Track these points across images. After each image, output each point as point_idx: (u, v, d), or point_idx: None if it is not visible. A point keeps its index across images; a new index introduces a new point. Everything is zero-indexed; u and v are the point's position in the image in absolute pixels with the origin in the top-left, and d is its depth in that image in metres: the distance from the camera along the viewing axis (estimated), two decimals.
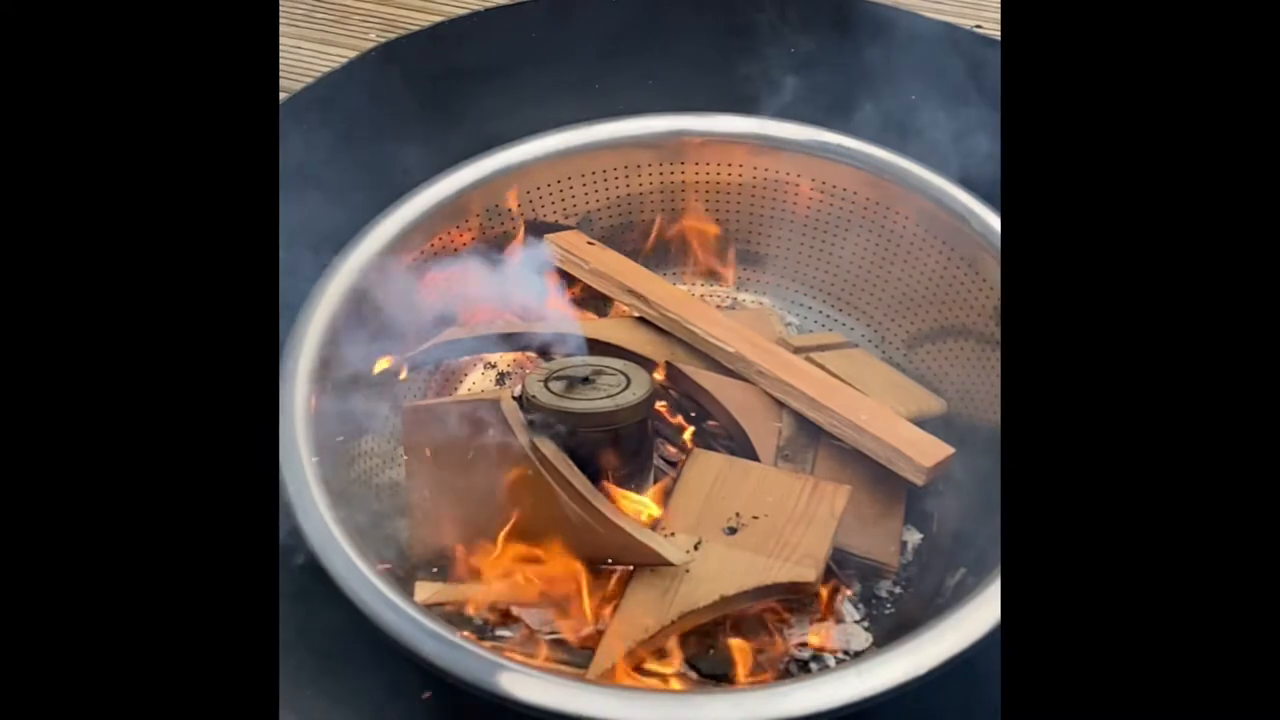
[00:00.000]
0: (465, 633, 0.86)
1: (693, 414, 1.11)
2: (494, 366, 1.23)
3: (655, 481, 1.03)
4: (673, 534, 0.95)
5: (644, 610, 0.89)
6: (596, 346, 1.09)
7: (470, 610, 0.96)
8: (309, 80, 1.43)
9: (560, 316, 1.13)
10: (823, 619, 0.97)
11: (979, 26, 1.59)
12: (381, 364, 1.07)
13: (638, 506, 0.98)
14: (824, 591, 0.97)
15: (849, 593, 1.00)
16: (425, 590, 0.94)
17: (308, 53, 1.66)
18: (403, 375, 1.11)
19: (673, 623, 0.88)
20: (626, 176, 1.26)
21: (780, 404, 1.08)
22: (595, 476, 0.95)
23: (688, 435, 1.09)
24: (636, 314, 1.15)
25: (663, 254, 1.30)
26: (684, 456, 1.05)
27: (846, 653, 0.96)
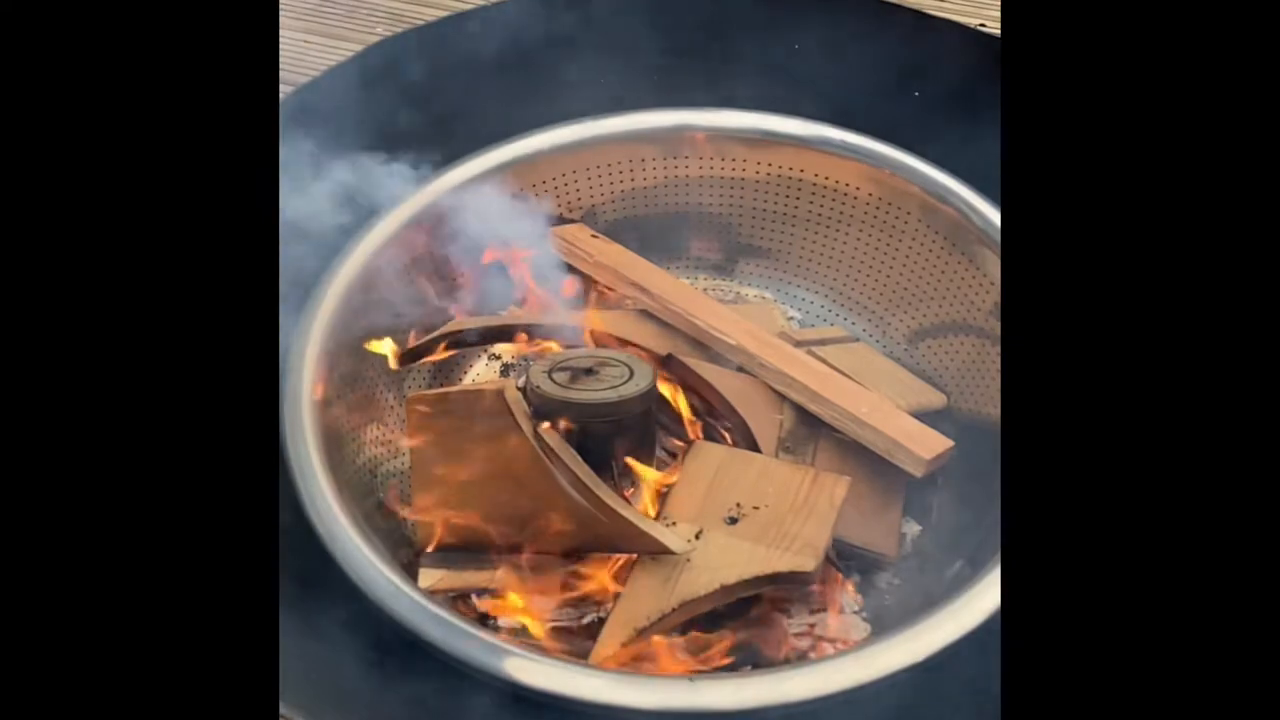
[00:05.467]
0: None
1: (695, 405, 1.12)
2: (498, 358, 1.24)
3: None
4: (674, 523, 0.96)
5: (646, 598, 0.90)
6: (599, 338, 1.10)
7: (473, 597, 0.97)
8: (315, 74, 1.43)
9: (564, 309, 1.15)
10: (822, 609, 0.98)
11: (983, 25, 1.60)
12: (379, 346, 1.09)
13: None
14: (823, 581, 0.98)
15: (848, 583, 1.01)
16: (429, 577, 0.95)
17: (314, 47, 1.67)
18: (407, 365, 1.12)
19: (674, 611, 0.89)
20: (631, 170, 1.27)
21: (781, 396, 1.08)
22: (599, 466, 0.96)
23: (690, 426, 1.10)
24: (640, 307, 1.16)
25: (666, 247, 1.31)
26: (686, 447, 1.06)
27: (845, 643, 0.97)
